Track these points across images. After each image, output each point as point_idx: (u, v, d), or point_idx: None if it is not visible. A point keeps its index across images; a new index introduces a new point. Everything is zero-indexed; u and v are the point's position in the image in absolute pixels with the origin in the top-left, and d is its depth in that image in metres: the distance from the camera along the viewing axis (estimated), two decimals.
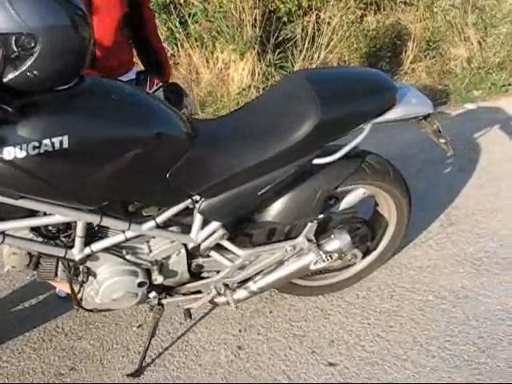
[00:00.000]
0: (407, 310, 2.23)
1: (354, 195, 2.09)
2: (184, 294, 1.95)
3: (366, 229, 2.13)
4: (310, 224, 1.92)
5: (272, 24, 4.32)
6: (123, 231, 1.69)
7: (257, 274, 1.99)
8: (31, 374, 1.95)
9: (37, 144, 1.38)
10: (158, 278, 1.81)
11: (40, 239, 1.66)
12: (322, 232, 2.01)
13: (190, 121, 1.76)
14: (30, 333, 2.11)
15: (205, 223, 1.80)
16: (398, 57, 4.50)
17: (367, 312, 2.23)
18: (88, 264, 1.73)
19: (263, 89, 4.26)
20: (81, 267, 1.73)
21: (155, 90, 2.24)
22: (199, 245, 1.81)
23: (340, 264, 2.14)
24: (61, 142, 1.40)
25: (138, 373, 1.93)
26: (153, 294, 1.85)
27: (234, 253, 1.86)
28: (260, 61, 4.25)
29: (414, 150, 3.53)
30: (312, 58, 4.30)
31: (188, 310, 1.98)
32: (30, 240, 1.64)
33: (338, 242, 1.98)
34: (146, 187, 1.64)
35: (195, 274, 1.91)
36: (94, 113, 1.48)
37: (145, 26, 2.23)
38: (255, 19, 4.10)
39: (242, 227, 1.89)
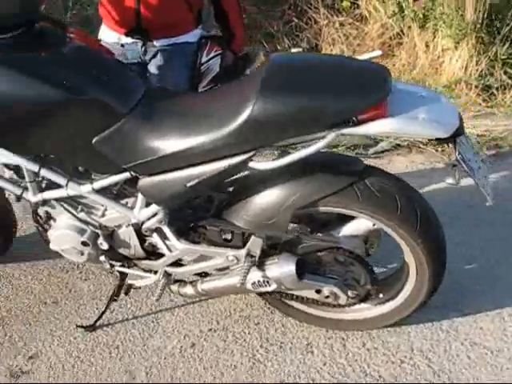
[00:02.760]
0: None
1: (357, 225, 1.69)
2: (145, 271, 1.89)
3: (358, 268, 1.70)
4: (253, 237, 1.62)
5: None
6: (65, 187, 1.71)
7: (205, 274, 1.80)
8: (25, 291, 2.16)
9: None
10: (103, 244, 1.78)
11: (7, 176, 1.81)
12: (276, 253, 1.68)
13: (148, 91, 1.65)
14: (55, 260, 2.27)
15: (149, 203, 1.69)
16: None
17: (353, 367, 1.80)
18: (48, 209, 1.82)
19: (476, 87, 3.60)
20: (41, 211, 1.83)
21: (212, 57, 2.16)
22: (142, 223, 1.72)
23: (319, 299, 1.76)
24: None
25: (89, 328, 1.96)
26: (103, 258, 1.83)
27: (172, 242, 1.71)
28: (480, 53, 3.57)
29: None
30: None
31: (130, 285, 1.90)
32: None
33: (277, 269, 1.63)
34: (72, 148, 1.62)
35: (150, 253, 1.82)
36: (17, 65, 1.51)
37: None
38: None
39: (202, 219, 1.72)
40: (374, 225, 1.66)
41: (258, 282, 1.66)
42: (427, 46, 3.96)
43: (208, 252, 1.70)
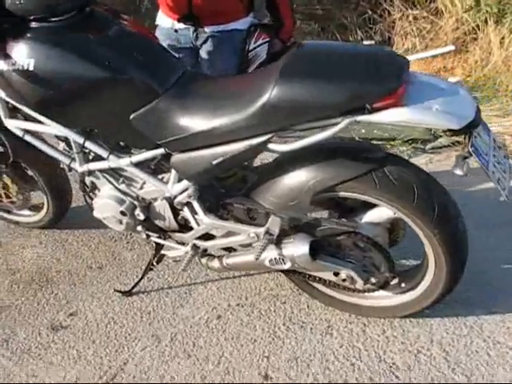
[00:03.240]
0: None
1: (379, 213, 1.72)
2: (177, 242, 2.00)
3: (376, 255, 1.72)
4: (272, 216, 1.69)
5: None
6: (107, 159, 1.86)
7: (231, 250, 1.90)
8: (75, 256, 2.36)
9: (13, 61, 1.68)
10: (140, 214, 1.92)
11: (60, 148, 1.99)
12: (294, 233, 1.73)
13: (184, 73, 1.75)
14: (106, 229, 2.41)
15: (181, 179, 1.81)
16: None
17: (369, 352, 1.83)
18: (93, 180, 1.98)
19: None
20: (87, 180, 1.99)
21: (260, 45, 2.24)
22: (175, 197, 1.84)
23: (337, 281, 1.81)
24: (28, 64, 1.66)
25: (126, 293, 2.11)
26: (139, 228, 1.97)
27: (200, 216, 1.82)
28: None
29: None
30: None
31: (162, 255, 2.03)
32: (47, 143, 1.99)
33: (292, 248, 1.69)
34: (112, 124, 1.75)
35: (182, 226, 1.93)
36: (69, 46, 1.67)
37: None
38: None
39: (231, 197, 1.81)
40: (394, 213, 1.68)
41: (275, 259, 1.73)
42: (502, 42, 3.84)
43: (232, 228, 1.79)
